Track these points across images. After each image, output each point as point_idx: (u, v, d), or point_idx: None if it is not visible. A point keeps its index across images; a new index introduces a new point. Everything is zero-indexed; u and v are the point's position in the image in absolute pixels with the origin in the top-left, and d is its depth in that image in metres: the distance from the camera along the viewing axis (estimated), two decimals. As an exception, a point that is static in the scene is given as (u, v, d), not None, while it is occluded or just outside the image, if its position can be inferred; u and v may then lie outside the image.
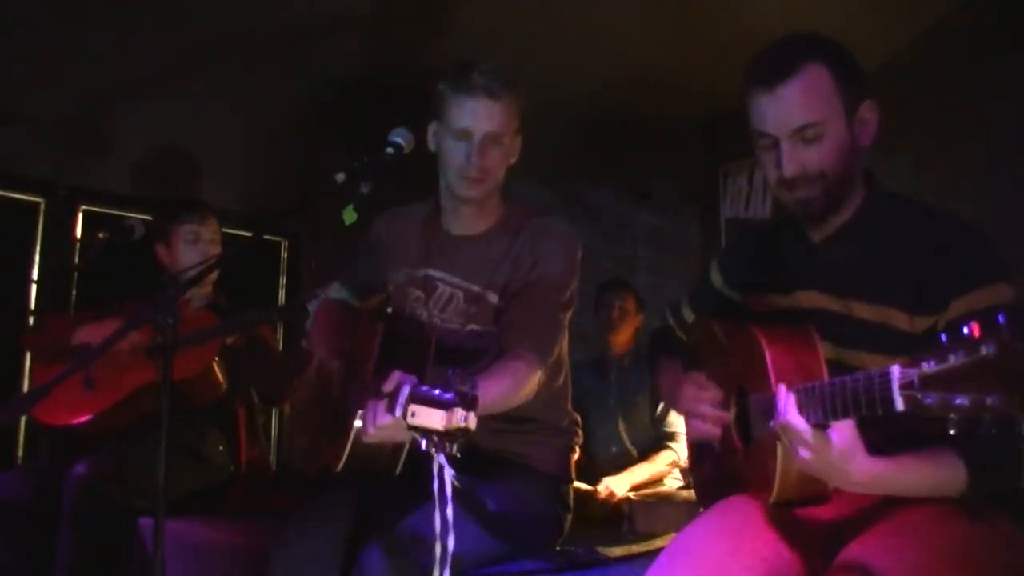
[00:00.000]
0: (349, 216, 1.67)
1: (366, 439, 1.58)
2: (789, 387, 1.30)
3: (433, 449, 1.35)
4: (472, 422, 1.32)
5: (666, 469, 3.36)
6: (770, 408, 1.37)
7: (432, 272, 2.03)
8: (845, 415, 1.20)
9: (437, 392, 1.32)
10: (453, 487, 1.40)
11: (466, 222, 2.01)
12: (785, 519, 1.46)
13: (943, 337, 1.02)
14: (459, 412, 1.31)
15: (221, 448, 2.66)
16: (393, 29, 3.38)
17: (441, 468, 1.39)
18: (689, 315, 1.87)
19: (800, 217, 1.53)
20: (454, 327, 1.98)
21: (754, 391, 1.48)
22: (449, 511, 1.39)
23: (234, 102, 3.59)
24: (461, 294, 1.99)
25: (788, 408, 1.26)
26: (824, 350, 1.45)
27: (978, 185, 2.88)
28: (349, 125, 3.65)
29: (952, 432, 1.01)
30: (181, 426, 2.50)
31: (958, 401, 0.99)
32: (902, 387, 1.06)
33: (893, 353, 1.39)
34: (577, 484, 3.25)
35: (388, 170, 1.73)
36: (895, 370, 1.08)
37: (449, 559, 1.40)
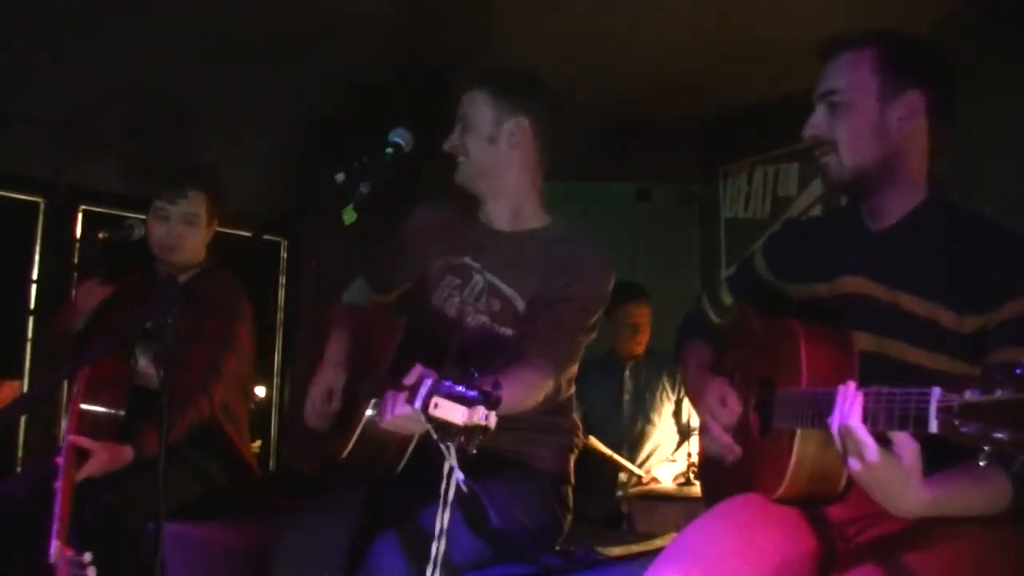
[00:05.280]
0: (349, 216, 1.67)
1: (383, 425, 1.57)
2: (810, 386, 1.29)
3: (447, 445, 1.33)
4: (492, 422, 1.31)
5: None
6: (807, 403, 1.36)
7: (470, 261, 2.05)
8: (876, 425, 1.17)
9: (460, 388, 1.31)
10: (458, 490, 1.40)
11: (501, 218, 2.05)
12: (791, 517, 1.46)
13: (992, 370, 1.01)
14: (481, 410, 1.29)
15: (215, 458, 2.62)
16: (395, 30, 3.38)
17: (451, 470, 1.39)
18: (727, 297, 1.88)
19: (823, 180, 1.58)
20: (481, 321, 2.00)
21: (782, 384, 1.48)
22: (446, 517, 1.39)
23: (234, 102, 3.59)
24: (489, 288, 2.01)
25: (852, 412, 1.20)
26: (863, 340, 1.46)
27: (979, 182, 2.88)
28: (350, 125, 3.65)
29: (981, 464, 1.00)
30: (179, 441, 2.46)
31: (997, 435, 0.98)
32: (940, 410, 1.05)
33: (935, 350, 1.41)
34: (620, 459, 3.36)
35: (388, 170, 1.74)
36: (936, 391, 1.07)
37: (440, 560, 1.40)
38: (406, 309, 2.17)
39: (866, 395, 1.20)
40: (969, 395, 1.01)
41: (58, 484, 1.97)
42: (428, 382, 1.33)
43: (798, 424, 1.38)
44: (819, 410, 1.29)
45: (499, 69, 2.06)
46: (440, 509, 1.39)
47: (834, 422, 1.23)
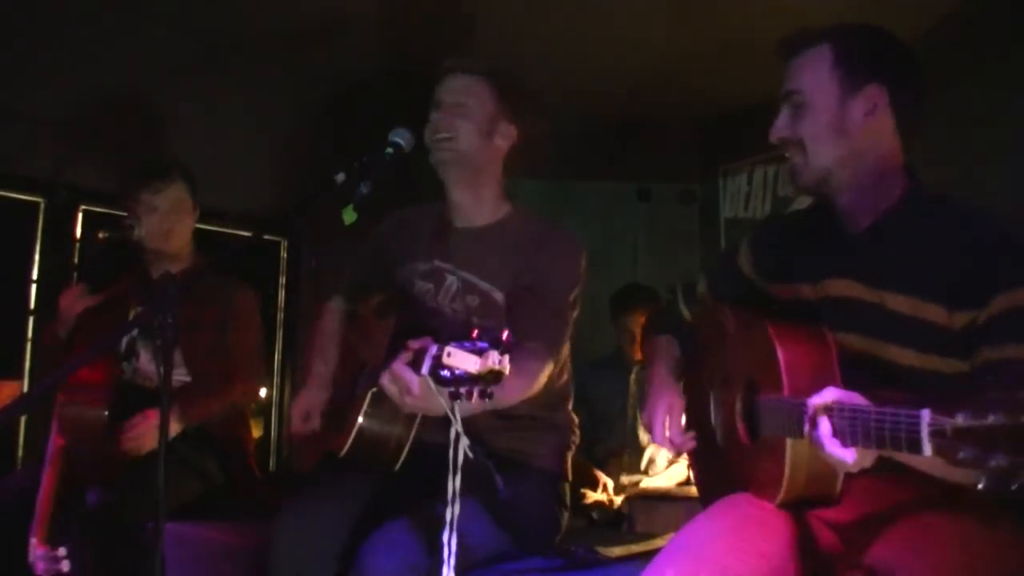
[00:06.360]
0: (349, 216, 1.67)
1: (404, 402, 1.56)
2: (797, 394, 1.30)
3: (458, 401, 1.34)
4: (506, 365, 1.30)
5: None
6: (789, 413, 1.35)
7: (440, 263, 2.05)
8: (867, 446, 1.17)
9: (468, 343, 1.30)
10: (465, 456, 1.42)
11: (466, 213, 2.06)
12: (787, 518, 1.46)
13: (985, 391, 0.99)
14: (494, 355, 1.29)
15: (214, 457, 2.63)
16: (395, 30, 3.38)
17: (458, 436, 1.42)
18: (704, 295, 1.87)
19: (793, 182, 1.56)
20: (463, 319, 2.00)
21: (765, 389, 1.47)
22: (458, 481, 1.42)
23: (234, 102, 3.59)
24: (464, 286, 2.01)
25: (825, 438, 1.22)
26: (852, 342, 1.45)
27: (979, 182, 2.88)
28: (350, 125, 3.66)
29: (980, 487, 0.98)
30: (176, 440, 2.47)
31: (993, 463, 0.96)
32: (932, 434, 1.04)
33: (925, 350, 1.39)
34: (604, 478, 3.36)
35: (388, 170, 1.74)
36: (925, 415, 1.05)
37: (455, 526, 1.42)
38: (392, 308, 2.18)
39: (829, 411, 1.22)
40: (960, 419, 0.99)
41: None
42: (433, 348, 1.33)
43: (785, 433, 1.38)
44: (802, 421, 1.29)
45: (507, 68, 2.06)
46: (450, 475, 1.42)
47: (811, 437, 1.24)
